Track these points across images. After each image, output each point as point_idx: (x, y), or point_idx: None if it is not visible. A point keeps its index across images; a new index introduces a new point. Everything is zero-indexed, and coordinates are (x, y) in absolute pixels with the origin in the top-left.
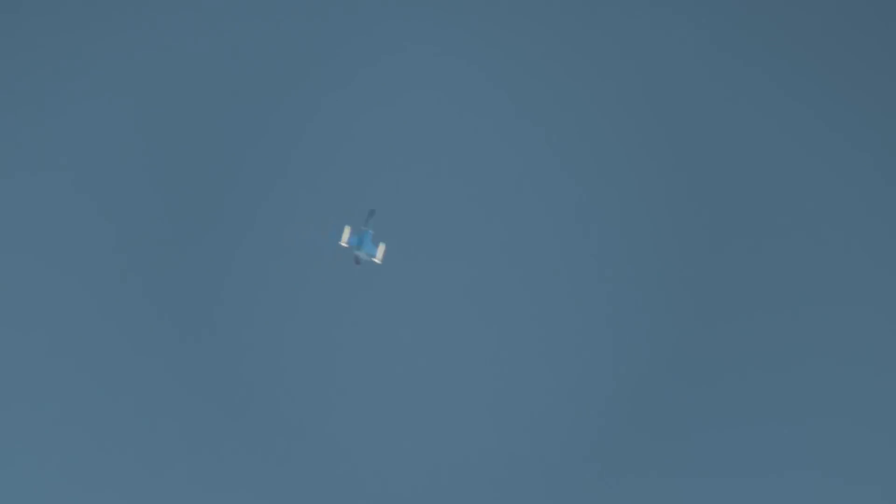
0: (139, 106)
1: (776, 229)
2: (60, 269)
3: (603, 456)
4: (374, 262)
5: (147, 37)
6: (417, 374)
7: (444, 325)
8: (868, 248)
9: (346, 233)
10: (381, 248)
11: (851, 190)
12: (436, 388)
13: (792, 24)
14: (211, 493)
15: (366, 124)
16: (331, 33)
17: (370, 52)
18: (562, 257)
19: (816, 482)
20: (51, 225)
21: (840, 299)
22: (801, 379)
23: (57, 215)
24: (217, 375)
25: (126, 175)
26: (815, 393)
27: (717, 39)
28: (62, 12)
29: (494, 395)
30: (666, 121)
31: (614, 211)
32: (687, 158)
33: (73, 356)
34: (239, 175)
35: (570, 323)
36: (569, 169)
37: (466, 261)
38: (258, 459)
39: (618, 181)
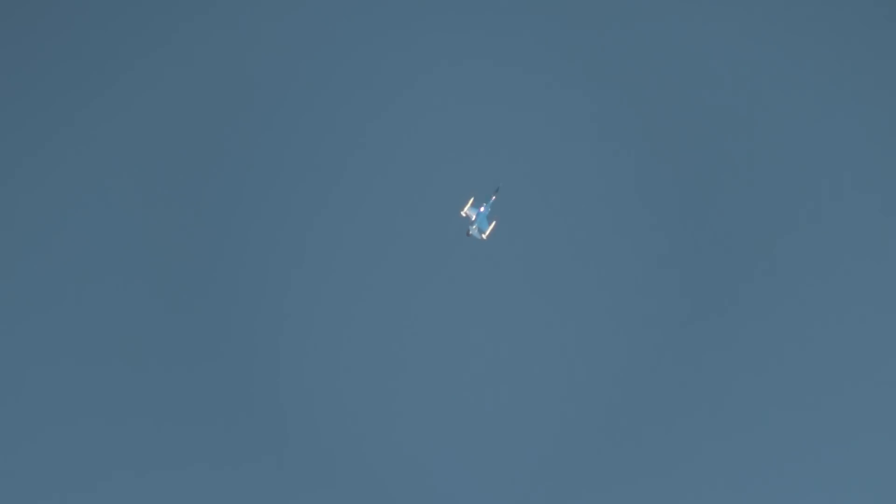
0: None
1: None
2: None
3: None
4: (482, 238)
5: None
6: (419, 372)
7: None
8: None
9: (469, 204)
10: (492, 226)
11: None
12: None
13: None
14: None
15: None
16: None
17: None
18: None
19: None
20: (80, 232)
21: (850, 304)
22: (806, 381)
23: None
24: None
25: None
26: (818, 394)
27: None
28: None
29: (503, 392)
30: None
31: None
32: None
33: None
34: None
35: (581, 322)
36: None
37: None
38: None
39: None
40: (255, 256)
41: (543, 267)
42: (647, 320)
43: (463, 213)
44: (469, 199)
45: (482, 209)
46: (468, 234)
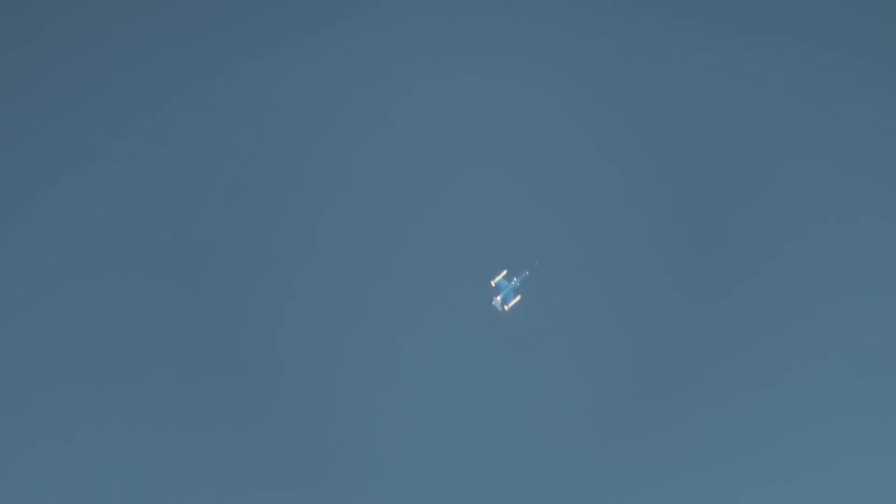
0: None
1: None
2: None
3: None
4: (502, 310)
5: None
6: (418, 374)
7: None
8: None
9: (501, 275)
10: (515, 300)
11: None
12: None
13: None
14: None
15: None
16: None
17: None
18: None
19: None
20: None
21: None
22: (803, 379)
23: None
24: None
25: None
26: (817, 394)
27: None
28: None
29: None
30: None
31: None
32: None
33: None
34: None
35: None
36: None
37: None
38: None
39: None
40: (256, 263)
41: (539, 273)
42: (644, 324)
43: (493, 283)
44: (502, 271)
45: (512, 282)
46: (491, 304)
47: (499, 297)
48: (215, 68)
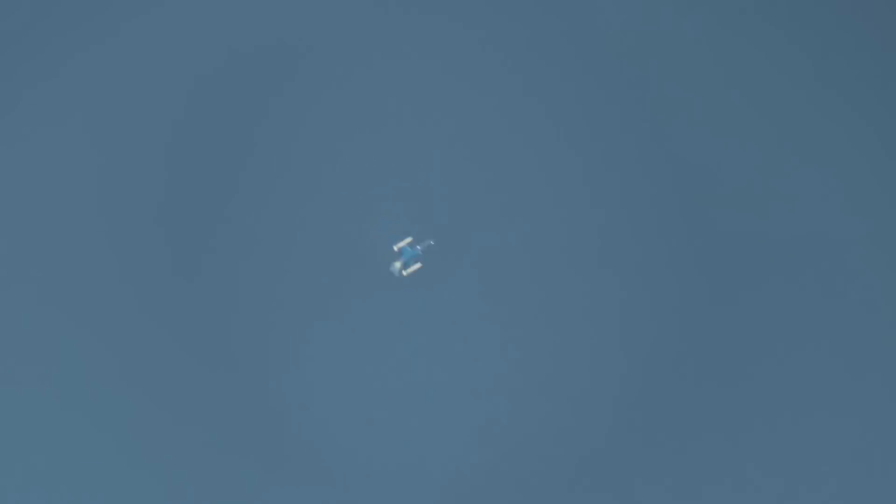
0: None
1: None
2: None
3: (607, 459)
4: (399, 274)
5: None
6: (415, 373)
7: (448, 326)
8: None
9: (405, 242)
10: (414, 268)
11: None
12: (437, 389)
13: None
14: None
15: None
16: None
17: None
18: (572, 256)
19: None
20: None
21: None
22: (810, 377)
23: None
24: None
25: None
26: (822, 392)
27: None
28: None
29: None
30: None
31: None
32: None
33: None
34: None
35: (578, 323)
36: (580, 168)
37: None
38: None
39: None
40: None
41: (539, 271)
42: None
43: (396, 248)
44: (407, 238)
45: (415, 249)
46: (390, 268)
47: (398, 263)
48: None
